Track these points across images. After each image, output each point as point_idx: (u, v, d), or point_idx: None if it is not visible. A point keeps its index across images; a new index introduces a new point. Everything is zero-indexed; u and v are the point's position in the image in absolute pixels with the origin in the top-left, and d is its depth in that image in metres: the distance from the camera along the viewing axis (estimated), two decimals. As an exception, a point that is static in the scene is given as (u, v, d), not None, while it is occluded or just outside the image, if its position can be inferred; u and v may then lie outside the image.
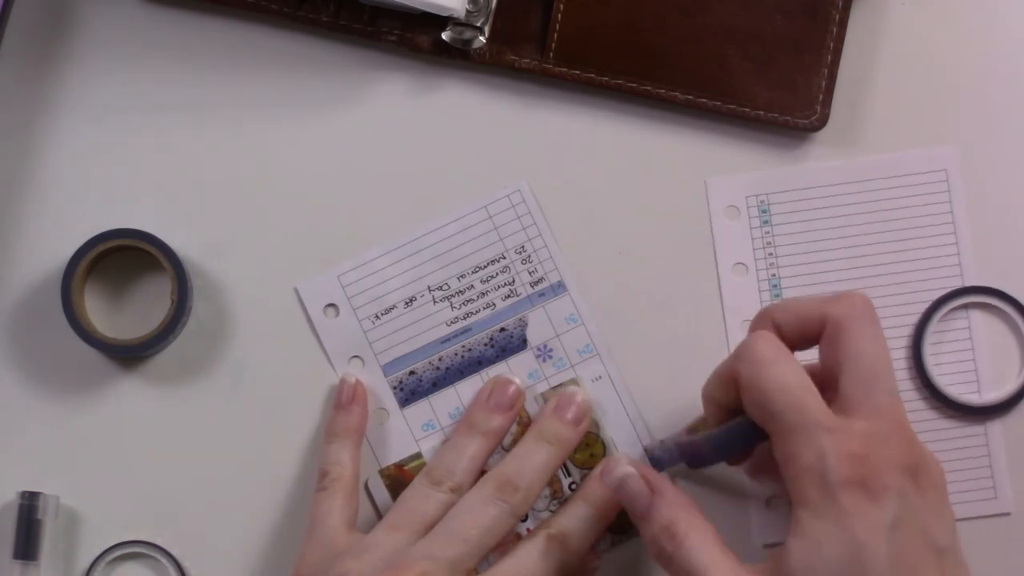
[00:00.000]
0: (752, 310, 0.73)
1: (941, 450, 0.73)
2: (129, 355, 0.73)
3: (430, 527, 0.67)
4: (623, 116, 0.74)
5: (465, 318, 0.73)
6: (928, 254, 0.74)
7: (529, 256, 0.73)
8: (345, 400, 0.72)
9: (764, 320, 0.65)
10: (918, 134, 0.74)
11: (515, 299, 0.73)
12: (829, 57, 0.73)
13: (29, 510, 0.71)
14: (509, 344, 0.73)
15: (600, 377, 0.73)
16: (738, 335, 0.73)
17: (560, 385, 0.73)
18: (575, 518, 0.69)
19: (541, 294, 0.73)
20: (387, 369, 0.73)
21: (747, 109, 0.73)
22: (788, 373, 0.62)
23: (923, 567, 0.59)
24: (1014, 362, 0.74)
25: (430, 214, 0.74)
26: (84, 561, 0.72)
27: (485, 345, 0.73)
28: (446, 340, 0.73)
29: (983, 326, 0.73)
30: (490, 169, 0.74)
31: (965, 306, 0.73)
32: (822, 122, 0.73)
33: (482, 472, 0.70)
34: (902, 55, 0.74)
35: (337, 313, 0.73)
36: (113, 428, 0.73)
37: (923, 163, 0.74)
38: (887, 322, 0.73)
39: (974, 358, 0.73)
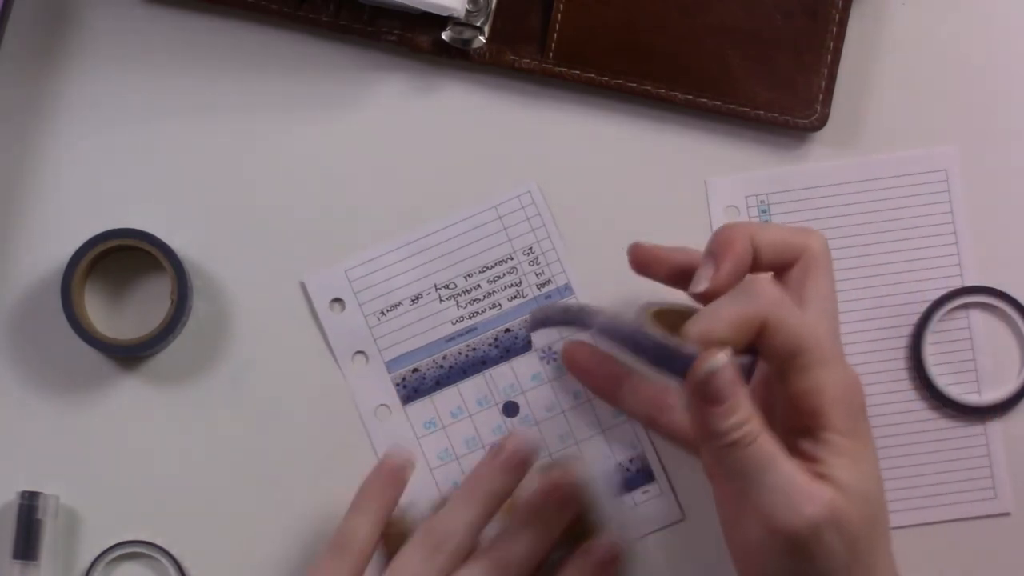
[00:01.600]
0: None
1: (941, 450, 0.73)
2: (129, 355, 0.73)
3: None
4: (623, 116, 0.74)
5: (471, 317, 0.73)
6: (928, 254, 0.74)
7: (537, 258, 0.73)
8: (389, 472, 0.69)
9: (744, 239, 0.63)
10: (918, 134, 0.74)
11: (521, 300, 0.73)
12: (829, 57, 0.73)
13: (29, 510, 0.71)
14: (514, 345, 0.73)
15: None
16: None
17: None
18: (518, 543, 0.68)
19: (547, 296, 0.73)
20: (391, 366, 0.73)
21: (747, 109, 0.73)
22: (804, 314, 0.63)
23: None
24: (1014, 362, 0.74)
25: (430, 213, 0.74)
26: (84, 561, 0.72)
27: (490, 345, 0.73)
28: (451, 339, 0.73)
29: (983, 326, 0.73)
30: (490, 169, 0.74)
31: (965, 306, 0.73)
32: (822, 122, 0.73)
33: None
34: (902, 55, 0.74)
35: (343, 308, 0.73)
36: (113, 428, 0.73)
37: (923, 163, 0.74)
38: (886, 322, 0.73)
39: (974, 358, 0.73)
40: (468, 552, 0.68)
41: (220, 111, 0.74)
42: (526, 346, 0.73)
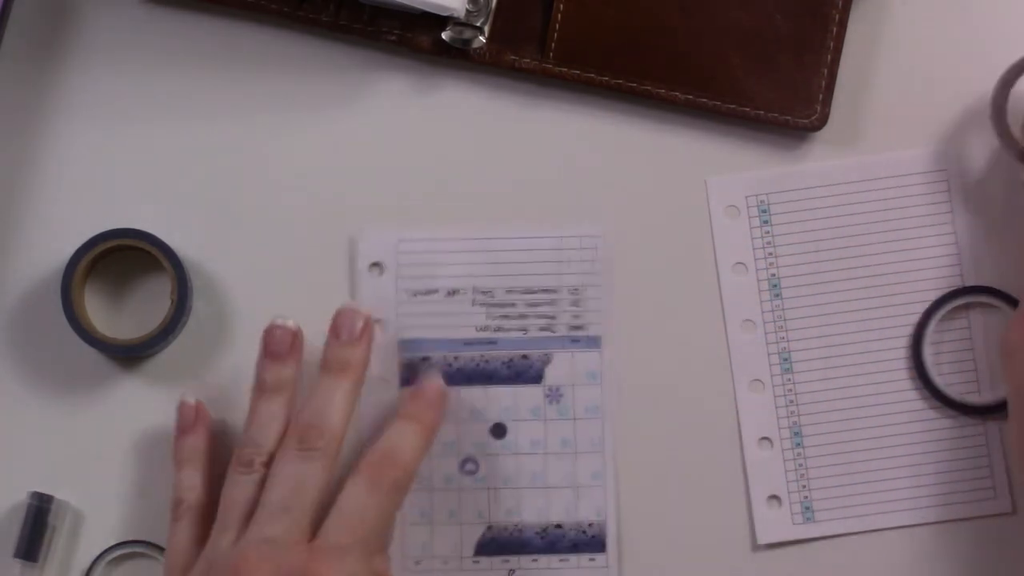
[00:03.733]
0: (752, 309, 0.73)
1: (941, 449, 0.73)
2: (129, 355, 0.73)
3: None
4: (623, 116, 0.74)
5: (495, 331, 0.73)
6: (928, 254, 0.74)
7: (579, 300, 0.73)
8: (187, 424, 0.70)
9: None
10: (918, 134, 0.74)
11: (549, 334, 0.73)
12: (829, 57, 0.73)
13: (38, 511, 0.71)
14: (526, 373, 0.73)
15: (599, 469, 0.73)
16: (738, 335, 0.73)
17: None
18: (400, 434, 0.68)
19: (575, 340, 0.73)
20: (403, 346, 0.73)
21: (747, 109, 0.73)
22: None
23: None
24: (1014, 362, 0.74)
25: (430, 213, 0.74)
26: (84, 561, 0.72)
27: (503, 363, 0.73)
28: (469, 343, 0.73)
29: (983, 326, 0.74)
30: (490, 169, 0.74)
31: (965, 306, 0.73)
32: (822, 122, 0.73)
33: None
34: (902, 55, 0.74)
35: (381, 273, 0.73)
36: (113, 428, 0.73)
37: (923, 163, 0.74)
38: (887, 322, 0.73)
39: (974, 358, 0.73)
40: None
41: (220, 111, 0.74)
42: (536, 378, 0.73)
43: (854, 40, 0.74)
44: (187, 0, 0.74)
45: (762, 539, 0.73)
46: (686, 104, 0.73)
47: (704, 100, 0.73)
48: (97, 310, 0.73)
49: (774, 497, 0.73)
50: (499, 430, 0.73)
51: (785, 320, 0.74)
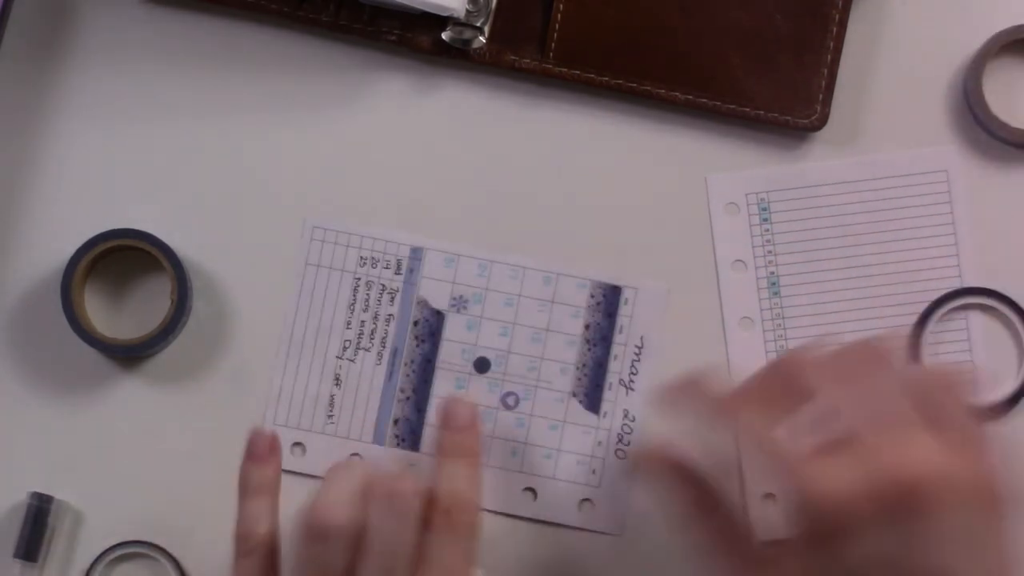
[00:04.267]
0: (751, 307, 0.73)
1: None
2: (129, 355, 0.73)
3: None
4: (623, 116, 0.74)
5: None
6: (927, 254, 0.74)
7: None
8: (261, 452, 0.65)
9: None
10: (918, 134, 0.74)
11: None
12: (829, 57, 0.73)
13: (38, 511, 0.71)
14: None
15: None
16: (736, 332, 0.73)
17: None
18: (455, 478, 0.63)
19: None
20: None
21: (747, 109, 0.73)
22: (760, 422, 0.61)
23: None
24: (1012, 363, 0.74)
25: (431, 212, 0.74)
26: (84, 561, 0.72)
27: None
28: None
29: (981, 327, 0.73)
30: (489, 169, 0.74)
31: (964, 307, 0.73)
32: (822, 122, 0.73)
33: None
34: (902, 55, 0.74)
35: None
36: (113, 428, 0.73)
37: (923, 163, 0.74)
38: (885, 322, 0.73)
39: (972, 359, 0.73)
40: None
41: (220, 111, 0.74)
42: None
43: (854, 40, 0.74)
44: (187, 0, 0.74)
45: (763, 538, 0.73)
46: (686, 104, 0.73)
47: (704, 100, 0.73)
48: (97, 310, 0.73)
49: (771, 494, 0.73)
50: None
51: (784, 318, 0.74)
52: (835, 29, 0.73)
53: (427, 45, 0.73)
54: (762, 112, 0.73)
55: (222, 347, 0.73)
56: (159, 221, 0.73)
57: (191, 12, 0.74)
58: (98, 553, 0.72)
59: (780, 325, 0.74)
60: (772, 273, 0.74)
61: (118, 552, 0.72)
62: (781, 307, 0.74)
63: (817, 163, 0.74)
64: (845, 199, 0.74)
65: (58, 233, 0.73)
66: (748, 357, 0.73)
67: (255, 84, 0.74)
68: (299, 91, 0.74)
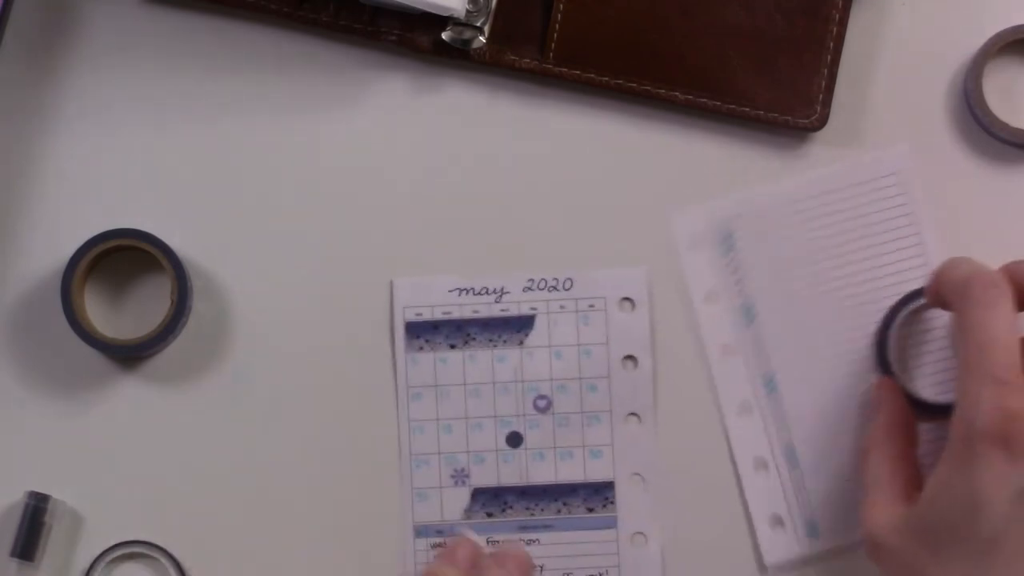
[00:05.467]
0: (730, 336, 0.73)
1: (926, 452, 0.72)
2: (129, 355, 0.73)
3: None
4: (623, 116, 0.74)
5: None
6: (895, 258, 0.73)
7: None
8: (453, 555, 0.66)
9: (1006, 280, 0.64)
10: (918, 134, 0.74)
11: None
12: (829, 57, 0.73)
13: (35, 511, 0.71)
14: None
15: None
16: (718, 365, 0.73)
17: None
18: None
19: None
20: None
21: (747, 109, 0.73)
22: (994, 319, 0.62)
23: None
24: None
25: (429, 213, 0.74)
26: (84, 561, 0.72)
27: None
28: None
29: (948, 324, 0.73)
30: (488, 169, 0.74)
31: (927, 306, 0.73)
32: (822, 122, 0.73)
33: None
34: (902, 55, 0.74)
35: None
36: (113, 428, 0.73)
37: (875, 167, 0.73)
38: (855, 332, 0.73)
39: (940, 357, 0.72)
40: None
41: (220, 111, 0.74)
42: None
43: (854, 40, 0.74)
44: (187, 0, 0.74)
45: (769, 560, 0.73)
46: (686, 104, 0.73)
47: (704, 100, 0.73)
48: (97, 310, 0.73)
49: (776, 517, 0.73)
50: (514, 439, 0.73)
51: (764, 342, 0.73)
52: (835, 29, 0.73)
53: (427, 45, 0.73)
54: (762, 112, 0.73)
55: (222, 347, 0.73)
56: (159, 221, 0.73)
57: (191, 12, 0.74)
58: (98, 553, 0.72)
59: (762, 350, 0.73)
60: (745, 300, 0.73)
61: (118, 552, 0.72)
62: (760, 332, 0.73)
63: (775, 184, 0.73)
64: (807, 215, 0.73)
65: (58, 233, 0.73)
66: (735, 386, 0.73)
67: (255, 84, 0.74)
68: (299, 91, 0.74)
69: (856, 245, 0.73)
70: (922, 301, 0.72)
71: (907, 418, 0.70)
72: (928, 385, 0.73)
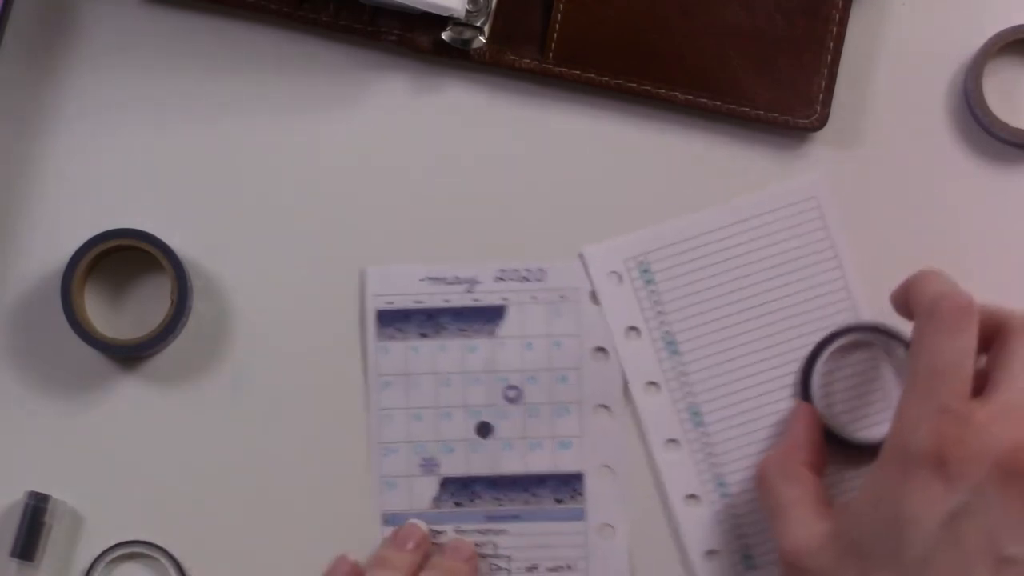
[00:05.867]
0: (653, 371, 0.72)
1: (841, 492, 0.72)
2: (129, 355, 0.73)
3: None
4: (623, 116, 0.74)
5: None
6: (814, 285, 0.73)
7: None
8: (402, 542, 0.72)
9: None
10: (918, 134, 0.74)
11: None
12: (829, 57, 0.73)
13: (35, 511, 0.71)
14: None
15: None
16: (643, 399, 0.73)
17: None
18: None
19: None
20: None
21: (747, 109, 0.73)
22: (952, 346, 0.62)
23: (974, 568, 0.59)
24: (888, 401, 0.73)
25: (429, 214, 0.74)
26: (84, 561, 0.72)
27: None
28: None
29: (868, 363, 0.72)
30: (488, 169, 0.74)
31: (851, 344, 0.72)
32: (822, 122, 0.73)
33: None
34: (902, 55, 0.74)
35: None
36: (113, 428, 0.73)
37: (789, 195, 0.73)
38: (779, 359, 0.72)
39: (861, 395, 0.72)
40: None
41: (220, 111, 0.74)
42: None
43: (854, 40, 0.74)
44: (187, 0, 0.74)
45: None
46: (686, 104, 0.73)
47: (704, 100, 0.73)
48: (97, 310, 0.73)
49: (711, 551, 0.72)
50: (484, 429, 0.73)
51: (688, 375, 0.73)
52: (835, 29, 0.73)
53: (427, 45, 0.73)
54: (762, 112, 0.73)
55: (222, 347, 0.73)
56: (159, 221, 0.73)
57: (191, 12, 0.74)
58: (98, 553, 0.72)
59: (686, 383, 0.73)
60: (667, 333, 0.73)
61: (118, 552, 0.72)
62: (683, 365, 0.73)
63: (689, 215, 0.73)
64: (723, 244, 0.73)
65: (58, 233, 0.73)
66: (662, 421, 0.73)
67: (255, 84, 0.74)
68: (299, 91, 0.74)
69: (774, 273, 0.73)
70: (847, 339, 0.72)
71: (821, 439, 0.70)
72: (847, 423, 0.72)
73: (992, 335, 0.64)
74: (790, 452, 0.69)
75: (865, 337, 0.72)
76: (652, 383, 0.73)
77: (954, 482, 0.60)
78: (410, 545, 0.71)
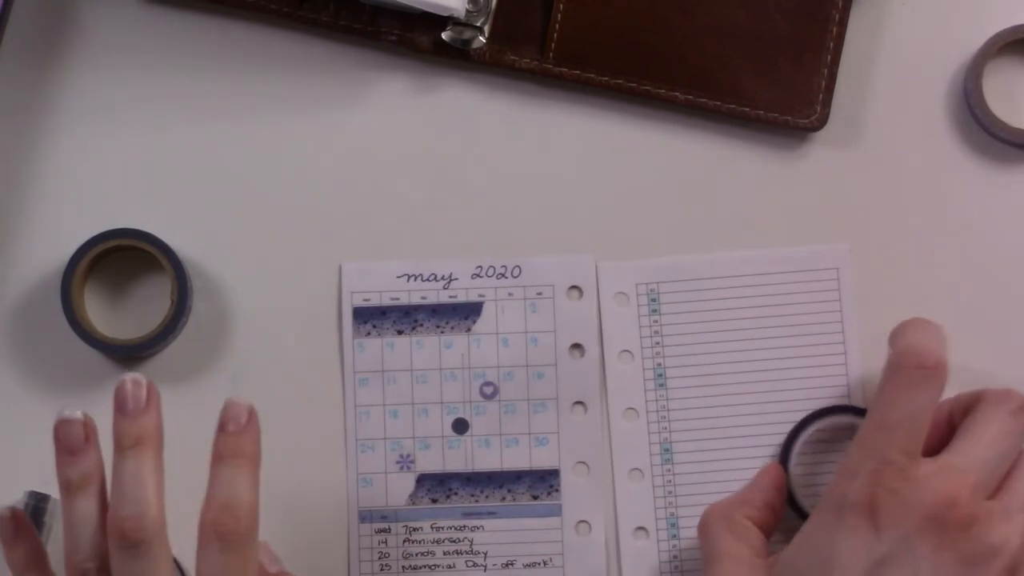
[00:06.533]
0: (636, 399, 0.72)
1: None
2: (129, 355, 0.73)
3: None
4: (623, 116, 0.74)
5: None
6: (815, 351, 0.72)
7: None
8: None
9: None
10: (918, 134, 0.74)
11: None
12: (829, 57, 0.73)
13: (35, 511, 0.71)
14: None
15: None
16: (619, 422, 0.72)
17: None
18: (229, 481, 0.61)
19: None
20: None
21: (747, 109, 0.73)
22: (907, 401, 0.63)
23: None
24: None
25: (429, 214, 0.74)
26: (84, 561, 0.72)
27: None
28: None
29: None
30: (489, 169, 0.74)
31: (832, 426, 0.72)
32: (822, 122, 0.73)
33: None
34: (902, 55, 0.74)
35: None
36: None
37: (816, 260, 0.73)
38: (767, 418, 0.72)
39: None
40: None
41: (220, 111, 0.74)
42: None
43: (854, 40, 0.74)
44: (187, 0, 0.74)
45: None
46: (686, 104, 0.73)
47: (704, 100, 0.73)
48: (97, 310, 0.73)
49: None
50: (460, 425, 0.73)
51: (668, 411, 0.72)
52: (835, 29, 0.73)
53: (427, 45, 0.73)
54: (762, 112, 0.73)
55: (222, 347, 0.73)
56: (159, 221, 0.73)
57: (191, 12, 0.74)
58: (98, 553, 0.72)
59: (665, 417, 0.72)
60: (659, 364, 0.73)
61: (118, 552, 0.72)
62: (667, 399, 0.72)
63: (710, 254, 0.73)
64: (735, 292, 0.73)
65: (58, 233, 0.73)
66: (632, 449, 0.72)
67: (255, 84, 0.74)
68: (299, 91, 0.74)
69: (778, 333, 0.72)
70: (840, 420, 0.71)
71: (780, 502, 0.70)
72: (813, 496, 0.71)
73: (970, 406, 0.65)
74: (737, 504, 0.69)
75: (856, 420, 0.71)
76: (631, 409, 0.72)
77: (883, 532, 0.61)
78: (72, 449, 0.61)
